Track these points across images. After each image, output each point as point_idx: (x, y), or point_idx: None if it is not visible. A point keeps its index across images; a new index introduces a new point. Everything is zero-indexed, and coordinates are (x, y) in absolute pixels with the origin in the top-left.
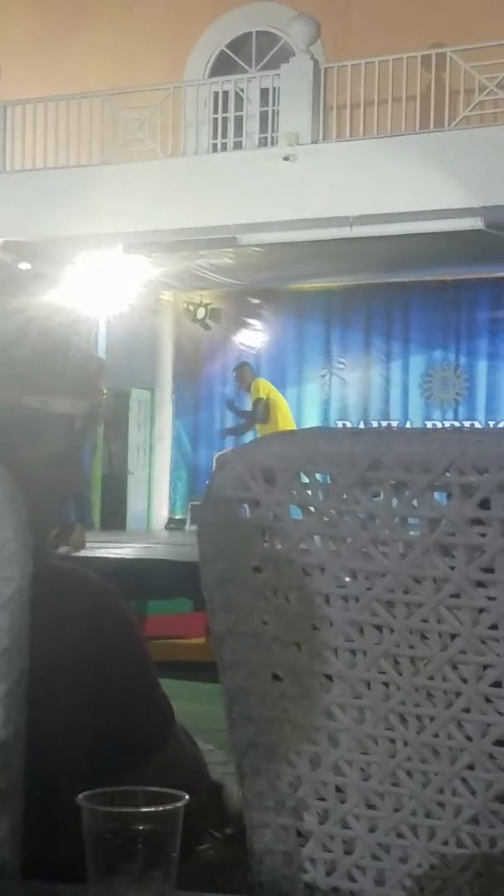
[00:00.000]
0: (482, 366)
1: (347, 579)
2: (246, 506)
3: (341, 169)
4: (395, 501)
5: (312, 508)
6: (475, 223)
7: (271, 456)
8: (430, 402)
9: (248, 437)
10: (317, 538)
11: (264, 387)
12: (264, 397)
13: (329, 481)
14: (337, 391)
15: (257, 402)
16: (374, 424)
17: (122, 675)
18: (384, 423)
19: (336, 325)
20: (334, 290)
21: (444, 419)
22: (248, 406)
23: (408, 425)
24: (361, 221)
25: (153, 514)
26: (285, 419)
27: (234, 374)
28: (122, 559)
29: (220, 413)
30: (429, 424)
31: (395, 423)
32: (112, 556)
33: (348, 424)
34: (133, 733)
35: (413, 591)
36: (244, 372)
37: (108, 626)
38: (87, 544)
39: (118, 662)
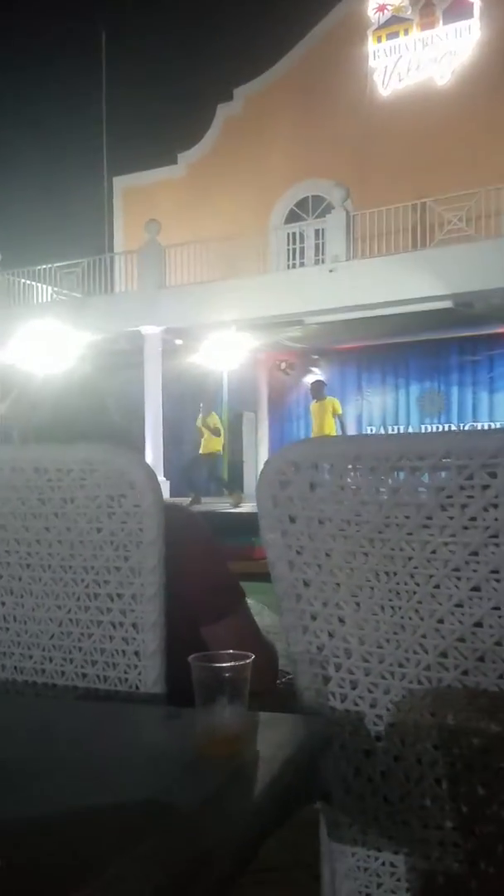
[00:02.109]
0: (455, 391)
1: (345, 526)
2: (282, 483)
3: (366, 276)
4: (371, 478)
5: (322, 484)
6: (447, 304)
7: (298, 454)
8: (423, 413)
9: None
10: (326, 501)
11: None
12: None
13: (331, 468)
14: (366, 409)
15: (341, 417)
16: (390, 428)
17: (205, 565)
18: (394, 427)
19: (364, 368)
20: (362, 349)
21: (432, 423)
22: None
23: (410, 428)
24: (378, 307)
25: None
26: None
27: (310, 386)
28: (241, 512)
29: (296, 425)
30: (422, 427)
31: (400, 428)
32: (234, 510)
33: (373, 428)
34: (213, 602)
35: (385, 532)
36: (319, 387)
37: (197, 534)
38: (217, 504)
39: (203, 557)
